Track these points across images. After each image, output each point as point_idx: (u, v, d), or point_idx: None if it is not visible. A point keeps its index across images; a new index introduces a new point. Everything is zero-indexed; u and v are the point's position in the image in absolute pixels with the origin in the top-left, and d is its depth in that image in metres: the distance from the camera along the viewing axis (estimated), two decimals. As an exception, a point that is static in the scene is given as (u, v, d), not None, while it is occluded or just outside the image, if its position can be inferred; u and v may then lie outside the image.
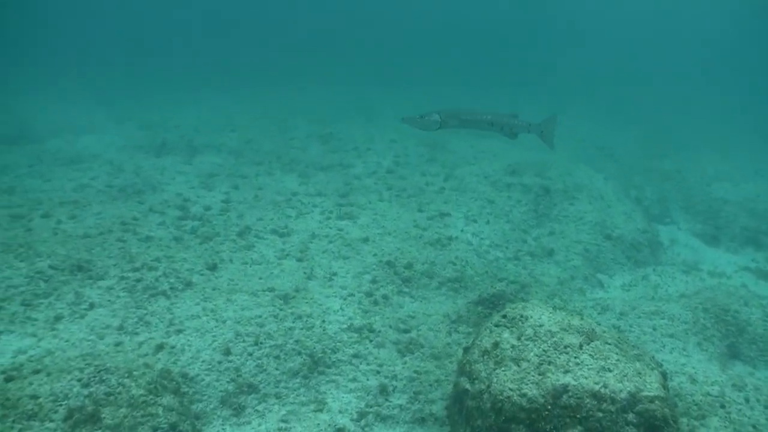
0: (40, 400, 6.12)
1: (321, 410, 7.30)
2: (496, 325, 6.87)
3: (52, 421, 5.95)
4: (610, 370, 5.80)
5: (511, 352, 6.30)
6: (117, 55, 42.17)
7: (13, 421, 5.94)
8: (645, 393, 5.58)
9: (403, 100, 28.69)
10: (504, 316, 6.95)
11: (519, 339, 6.47)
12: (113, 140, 18.50)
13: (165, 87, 30.55)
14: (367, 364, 8.01)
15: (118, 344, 7.70)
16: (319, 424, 7.04)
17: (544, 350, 6.19)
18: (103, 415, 6.06)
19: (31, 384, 6.47)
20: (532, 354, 6.16)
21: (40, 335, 7.78)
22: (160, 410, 6.33)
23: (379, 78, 36.73)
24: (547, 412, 5.55)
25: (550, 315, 6.77)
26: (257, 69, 38.16)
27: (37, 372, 6.74)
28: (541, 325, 6.56)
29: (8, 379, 6.67)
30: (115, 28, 53.88)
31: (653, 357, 6.58)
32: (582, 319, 6.77)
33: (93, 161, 15.95)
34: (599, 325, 6.73)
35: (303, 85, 31.90)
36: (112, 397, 6.26)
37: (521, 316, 6.80)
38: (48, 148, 17.34)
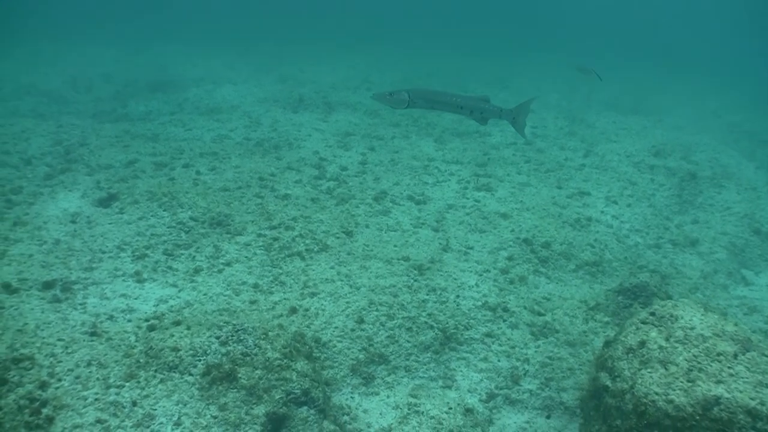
0: (181, 353, 6.20)
1: (450, 387, 7.13)
2: (643, 322, 6.44)
3: (191, 374, 6.02)
4: (768, 387, 5.33)
5: (659, 353, 5.89)
6: (257, 10, 43.19)
7: (156, 371, 6.05)
8: (809, 416, 5.10)
9: (531, 70, 27.99)
10: (652, 314, 6.51)
11: (667, 340, 6.04)
12: (251, 92, 18.77)
13: (302, 42, 30.85)
14: (500, 345, 7.75)
15: (253, 302, 7.75)
16: (448, 402, 6.86)
17: (694, 355, 5.74)
18: (239, 375, 6.08)
19: (172, 336, 6.57)
20: (681, 358, 5.73)
21: (180, 286, 7.94)
22: (293, 375, 6.29)
23: (514, 48, 35.99)
24: (694, 423, 5.15)
25: (702, 317, 6.27)
26: (394, 32, 38.08)
27: (177, 324, 6.85)
28: (692, 328, 6.09)
29: (151, 328, 6.84)
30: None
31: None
32: (736, 325, 6.25)
33: (231, 112, 16.23)
34: (754, 333, 6.22)
35: (440, 51, 31.61)
36: (248, 358, 6.27)
37: (671, 316, 6.34)
38: (189, 97, 17.79)
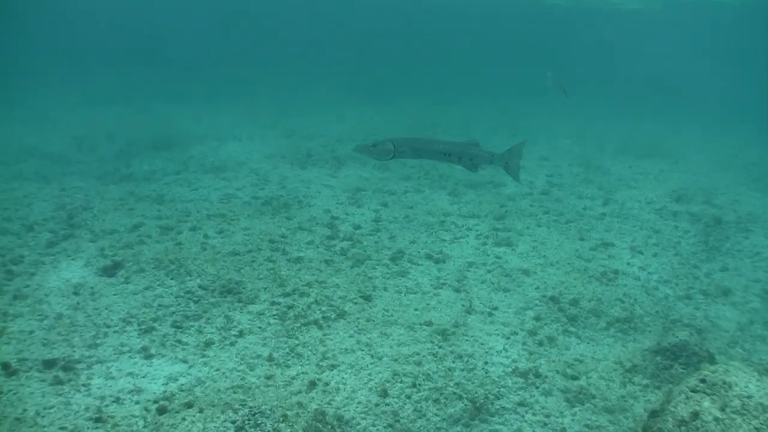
0: (193, 440, 5.67)
1: (484, 465, 6.58)
2: (694, 390, 5.90)
3: (204, 465, 5.49)
4: (844, 461, 4.80)
5: (715, 426, 5.35)
6: (264, 64, 43.48)
7: (165, 462, 5.54)
8: None
9: (538, 115, 27.81)
10: (702, 381, 5.97)
11: (723, 410, 5.50)
12: (257, 147, 18.47)
13: (306, 94, 30.77)
14: (533, 414, 7.19)
15: (269, 377, 7.21)
16: (484, 482, 6.33)
17: (756, 428, 5.21)
18: (259, 464, 5.56)
19: (183, 420, 6.09)
20: (741, 431, 5.21)
21: (190, 361, 7.41)
22: (317, 461, 5.77)
23: (523, 90, 35.93)
24: (764, 507, 4.63)
25: (758, 384, 5.74)
26: (397, 82, 38.07)
27: (188, 406, 6.37)
28: (749, 396, 5.55)
29: (161, 411, 6.35)
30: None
31: None
32: (796, 389, 5.73)
33: (238, 170, 15.87)
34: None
35: (445, 99, 31.51)
36: (267, 445, 5.76)
37: (724, 383, 5.81)
38: (194, 155, 17.46)
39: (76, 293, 8.74)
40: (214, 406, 6.42)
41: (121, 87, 31.85)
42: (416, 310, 9.02)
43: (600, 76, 49.24)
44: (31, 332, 7.71)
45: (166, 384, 6.96)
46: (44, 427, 6.02)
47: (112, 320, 8.10)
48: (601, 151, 20.72)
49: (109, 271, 9.36)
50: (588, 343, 8.72)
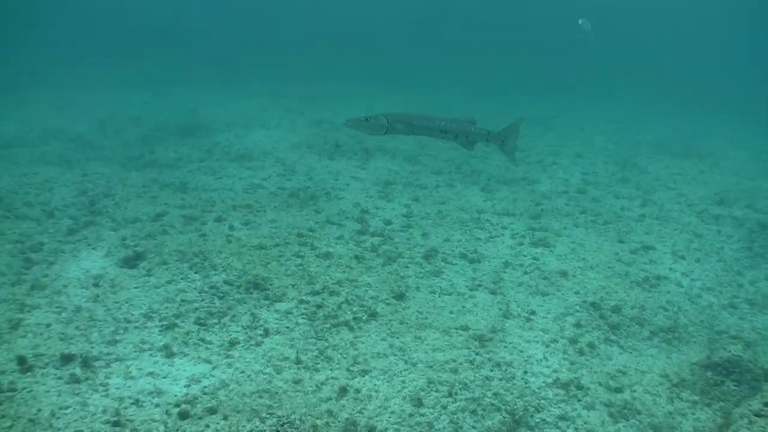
0: (217, 451, 5.27)
1: (524, 483, 6.15)
2: (757, 415, 5.48)
3: (228, 479, 5.09)
4: None
5: (785, 454, 4.90)
6: (295, 51, 43.24)
7: (186, 474, 5.14)
8: None
9: (582, 109, 27.28)
10: (767, 404, 5.53)
11: (793, 436, 5.05)
12: (284, 136, 18.07)
13: (336, 84, 30.41)
14: (575, 429, 6.73)
15: (296, 382, 6.79)
16: (524, 503, 5.89)
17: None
18: (286, 479, 5.15)
19: (207, 427, 5.76)
20: (814, 461, 4.75)
21: (214, 362, 7.02)
22: (349, 478, 5.35)
23: (558, 86, 35.40)
24: None
25: (829, 406, 5.29)
26: (433, 74, 37.59)
27: (212, 412, 6.00)
28: (820, 421, 5.11)
29: (183, 416, 5.96)
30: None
31: None
32: None
33: (264, 159, 15.47)
34: None
35: (474, 92, 31.07)
36: (296, 458, 5.35)
37: (792, 405, 5.37)
38: (219, 142, 17.10)
39: (96, 285, 8.38)
40: (239, 412, 6.03)
41: (146, 70, 31.70)
42: (451, 312, 8.56)
43: (640, 72, 48.34)
44: (49, 325, 7.37)
45: (189, 386, 6.57)
46: (59, 429, 5.66)
47: (132, 315, 7.73)
48: (636, 149, 20.13)
49: (131, 262, 8.99)
50: (631, 353, 8.23)
